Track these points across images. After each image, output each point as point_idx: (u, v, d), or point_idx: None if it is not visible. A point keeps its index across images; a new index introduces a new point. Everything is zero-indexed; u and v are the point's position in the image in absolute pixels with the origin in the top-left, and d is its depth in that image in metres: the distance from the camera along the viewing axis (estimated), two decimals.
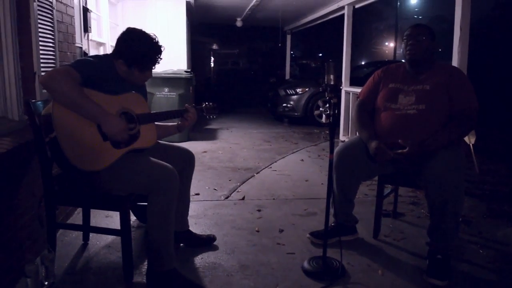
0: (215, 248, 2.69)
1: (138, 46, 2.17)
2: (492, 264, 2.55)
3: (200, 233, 2.83)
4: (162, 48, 2.26)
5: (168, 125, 2.54)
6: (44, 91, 2.41)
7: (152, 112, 2.33)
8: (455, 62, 3.80)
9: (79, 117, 2.00)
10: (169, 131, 2.55)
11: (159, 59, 2.26)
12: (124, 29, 2.27)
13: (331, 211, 2.64)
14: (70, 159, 1.98)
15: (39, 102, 2.25)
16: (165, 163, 2.21)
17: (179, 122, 2.50)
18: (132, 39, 2.19)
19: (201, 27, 13.86)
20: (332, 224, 2.79)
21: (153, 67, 2.28)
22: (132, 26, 2.27)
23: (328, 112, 2.35)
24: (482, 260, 2.59)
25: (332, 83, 2.30)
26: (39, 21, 2.77)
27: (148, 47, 2.20)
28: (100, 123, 2.03)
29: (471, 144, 4.31)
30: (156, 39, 2.24)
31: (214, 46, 17.46)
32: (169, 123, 2.53)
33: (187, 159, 2.58)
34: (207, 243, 2.72)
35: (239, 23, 10.48)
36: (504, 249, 2.80)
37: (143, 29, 2.25)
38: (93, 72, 2.08)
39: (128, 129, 2.12)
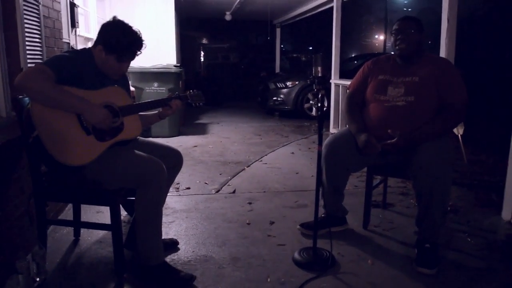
0: (204, 242, 2.70)
1: (120, 35, 2.13)
2: (480, 252, 2.58)
3: (191, 227, 2.85)
4: (144, 43, 2.22)
5: (149, 114, 2.51)
6: None
7: (134, 103, 2.31)
8: (442, 53, 3.83)
9: (59, 114, 1.98)
10: (150, 120, 2.53)
11: (138, 52, 2.22)
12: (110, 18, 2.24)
13: (321, 202, 2.66)
14: (54, 155, 1.98)
15: (27, 98, 2.22)
16: (152, 156, 2.20)
17: (161, 110, 2.47)
18: (117, 27, 2.16)
19: (191, 21, 13.79)
20: (322, 215, 2.81)
21: (131, 59, 2.23)
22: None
23: (318, 104, 2.35)
24: (470, 248, 2.63)
25: (319, 75, 2.31)
26: (25, 16, 2.75)
27: (130, 38, 2.16)
28: (82, 113, 2.01)
29: (459, 135, 4.35)
30: (140, 34, 2.21)
31: (204, 41, 17.40)
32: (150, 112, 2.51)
33: (176, 162, 2.52)
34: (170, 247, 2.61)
35: (228, 17, 10.46)
36: (491, 237, 2.84)
37: (131, 24, 2.22)
38: (70, 68, 2.03)
39: (111, 122, 2.11)
